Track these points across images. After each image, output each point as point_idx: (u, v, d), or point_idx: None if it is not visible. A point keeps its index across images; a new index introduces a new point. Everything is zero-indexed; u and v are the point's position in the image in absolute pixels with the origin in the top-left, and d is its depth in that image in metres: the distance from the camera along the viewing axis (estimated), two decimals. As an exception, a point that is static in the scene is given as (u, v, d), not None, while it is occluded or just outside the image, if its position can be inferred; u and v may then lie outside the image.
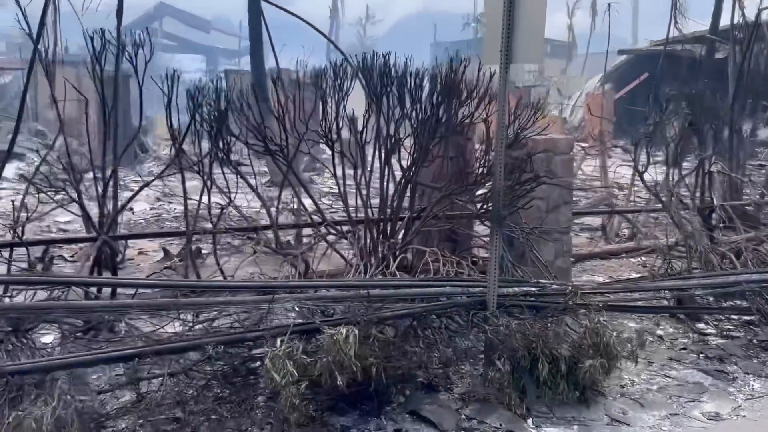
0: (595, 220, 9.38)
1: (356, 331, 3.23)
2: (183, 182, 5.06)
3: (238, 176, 5.07)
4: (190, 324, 3.63)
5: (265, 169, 11.49)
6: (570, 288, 4.20)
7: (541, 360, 3.94)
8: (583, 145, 13.32)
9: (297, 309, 3.54)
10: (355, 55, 5.63)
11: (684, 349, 5.28)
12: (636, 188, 8.66)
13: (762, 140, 18.98)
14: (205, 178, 4.94)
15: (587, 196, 9.96)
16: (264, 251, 5.00)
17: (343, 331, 3.19)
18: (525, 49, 5.36)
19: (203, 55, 47.24)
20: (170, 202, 11.12)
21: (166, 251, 7.29)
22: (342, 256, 5.74)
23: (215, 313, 3.61)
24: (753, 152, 19.86)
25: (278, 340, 3.23)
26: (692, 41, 21.82)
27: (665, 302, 5.60)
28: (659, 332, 5.60)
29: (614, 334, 4.11)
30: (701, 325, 5.71)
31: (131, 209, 9.09)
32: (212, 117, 4.75)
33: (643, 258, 7.55)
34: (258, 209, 6.18)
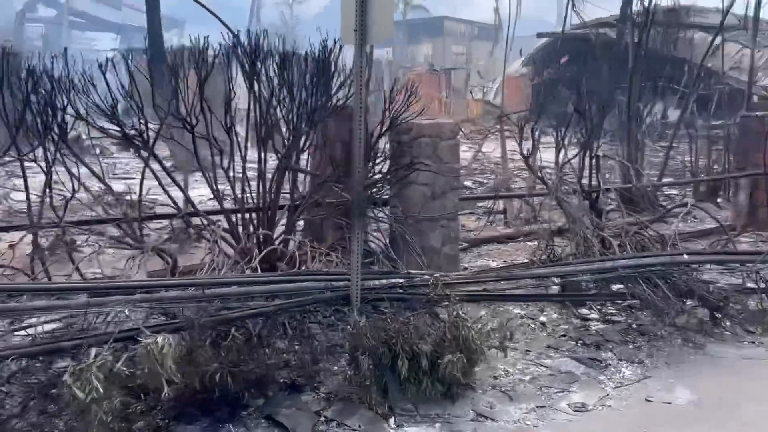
0: (499, 203, 9.31)
1: (171, 341, 2.93)
2: (23, 171, 4.59)
3: (79, 164, 4.64)
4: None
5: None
6: (431, 279, 4.01)
7: (401, 356, 3.75)
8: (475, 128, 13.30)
9: (127, 313, 3.20)
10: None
11: (564, 335, 5.22)
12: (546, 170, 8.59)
13: (672, 122, 19.56)
14: (50, 165, 4.49)
15: (490, 179, 9.91)
16: (112, 246, 4.60)
17: (159, 340, 2.89)
18: (378, 29, 5.15)
19: (114, 32, 44.95)
20: (61, 190, 10.44)
21: (36, 244, 6.74)
22: (222, 250, 5.41)
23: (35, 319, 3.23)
24: (663, 133, 20.36)
25: (92, 351, 2.90)
26: (605, 26, 22.31)
27: (552, 288, 5.56)
28: (542, 318, 5.53)
29: (479, 326, 3.96)
30: (584, 310, 5.68)
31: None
32: (45, 100, 4.30)
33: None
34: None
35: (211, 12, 6.89)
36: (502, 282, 5.20)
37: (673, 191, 11.62)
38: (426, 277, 4.42)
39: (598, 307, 5.69)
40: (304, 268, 4.79)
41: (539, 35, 24.22)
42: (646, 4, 9.94)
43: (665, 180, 10.69)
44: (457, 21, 50.33)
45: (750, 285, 5.51)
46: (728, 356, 4.86)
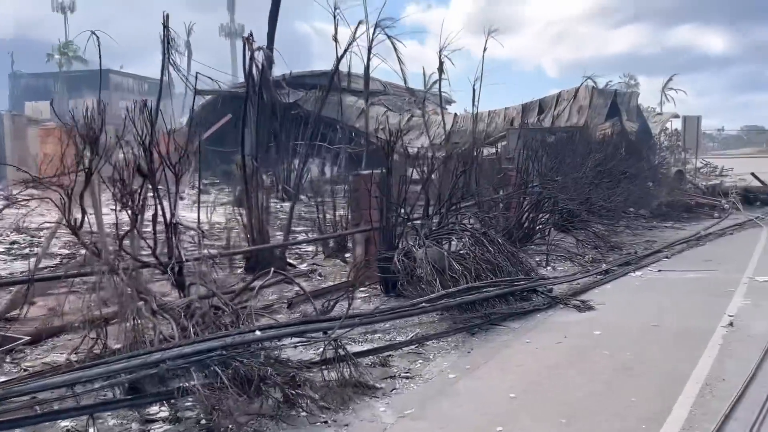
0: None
1: None
2: None
3: None
4: None
5: None
6: None
7: None
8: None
9: None
10: None
11: (110, 452, 4.18)
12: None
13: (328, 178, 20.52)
14: None
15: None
16: None
17: None
18: None
19: None
20: None
21: None
22: None
23: None
24: (320, 190, 21.17)
25: None
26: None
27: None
28: (91, 431, 4.40)
29: None
30: (154, 408, 4.72)
31: None
32: None
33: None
34: None
35: None
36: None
37: (309, 248, 11.60)
38: None
39: (173, 401, 4.79)
40: None
41: (197, 93, 23.59)
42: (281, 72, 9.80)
43: (293, 239, 10.54)
44: (125, 75, 47.68)
45: (330, 354, 5.17)
46: (295, 444, 4.33)
